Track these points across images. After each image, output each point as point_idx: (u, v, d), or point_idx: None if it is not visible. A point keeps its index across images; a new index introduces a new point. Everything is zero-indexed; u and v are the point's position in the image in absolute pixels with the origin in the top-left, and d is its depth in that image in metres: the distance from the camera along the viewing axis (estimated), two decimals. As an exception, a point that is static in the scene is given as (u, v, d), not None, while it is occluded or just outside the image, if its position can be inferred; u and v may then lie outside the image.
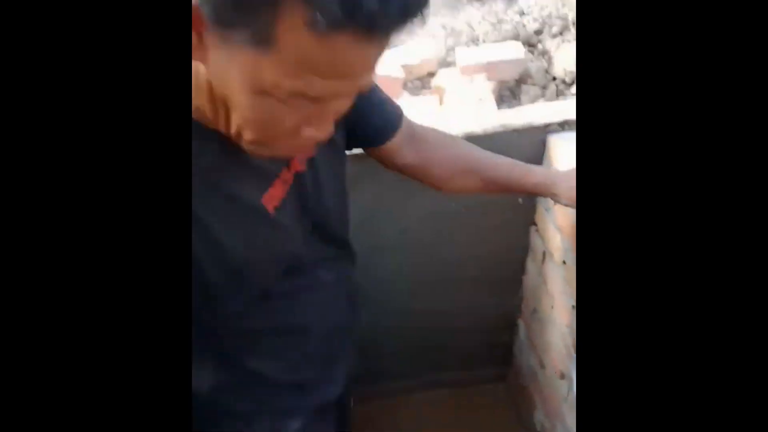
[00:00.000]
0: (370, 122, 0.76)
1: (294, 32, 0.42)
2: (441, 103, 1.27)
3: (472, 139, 1.06)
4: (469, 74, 1.31)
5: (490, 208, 1.17)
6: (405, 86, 1.39)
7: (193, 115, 0.53)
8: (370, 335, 1.38)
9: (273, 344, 0.74)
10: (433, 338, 1.46)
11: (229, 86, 0.48)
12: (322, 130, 0.52)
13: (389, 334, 1.39)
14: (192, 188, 0.50)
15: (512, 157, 1.07)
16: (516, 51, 1.39)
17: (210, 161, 0.55)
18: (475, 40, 1.64)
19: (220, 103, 0.50)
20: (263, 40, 0.43)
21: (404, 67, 1.46)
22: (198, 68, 0.49)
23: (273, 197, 0.62)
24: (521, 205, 1.17)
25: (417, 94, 1.37)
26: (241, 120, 0.50)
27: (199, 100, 0.52)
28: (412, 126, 0.82)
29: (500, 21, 1.71)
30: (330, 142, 0.67)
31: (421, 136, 0.84)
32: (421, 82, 1.45)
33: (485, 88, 1.23)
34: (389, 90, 1.51)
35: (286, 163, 0.63)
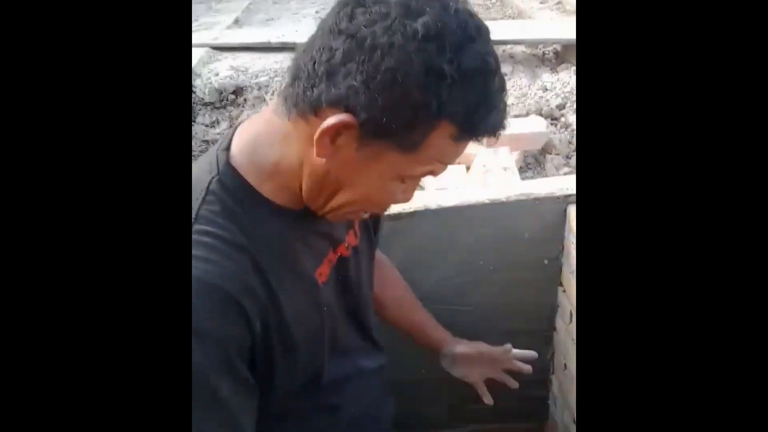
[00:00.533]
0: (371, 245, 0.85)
1: (440, 141, 0.55)
2: (468, 172, 1.39)
3: (497, 206, 1.17)
4: (493, 146, 1.43)
5: (518, 267, 1.26)
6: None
7: (274, 195, 0.61)
8: (407, 384, 1.45)
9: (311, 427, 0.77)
10: (469, 390, 1.51)
11: (354, 177, 0.58)
12: (409, 197, 0.65)
13: (426, 384, 1.45)
14: (262, 257, 0.59)
15: (533, 224, 1.18)
16: (538, 125, 1.52)
17: (277, 231, 0.62)
18: (501, 112, 1.77)
19: (325, 187, 0.60)
20: (412, 146, 0.55)
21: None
22: (311, 158, 0.57)
23: (321, 274, 0.69)
24: (547, 265, 1.25)
25: (447, 164, 1.51)
26: (355, 198, 0.60)
27: (305, 182, 0.60)
28: (378, 252, 0.94)
29: (524, 96, 1.85)
30: (370, 238, 0.80)
31: (380, 262, 0.97)
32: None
33: (509, 158, 1.35)
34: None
35: (334, 246, 0.71)
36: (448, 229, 1.21)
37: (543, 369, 1.44)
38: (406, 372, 1.41)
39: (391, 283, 1.01)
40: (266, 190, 0.61)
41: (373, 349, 0.87)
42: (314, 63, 0.54)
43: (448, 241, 1.22)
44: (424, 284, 1.28)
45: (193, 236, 0.56)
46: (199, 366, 0.54)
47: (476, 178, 1.33)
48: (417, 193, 1.31)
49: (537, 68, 1.92)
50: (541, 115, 1.70)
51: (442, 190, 1.24)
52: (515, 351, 1.08)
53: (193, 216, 0.58)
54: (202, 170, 0.61)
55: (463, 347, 1.04)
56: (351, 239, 0.75)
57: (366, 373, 0.85)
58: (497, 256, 1.24)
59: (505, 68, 2.08)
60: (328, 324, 0.71)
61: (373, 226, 0.82)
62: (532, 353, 1.09)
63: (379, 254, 0.96)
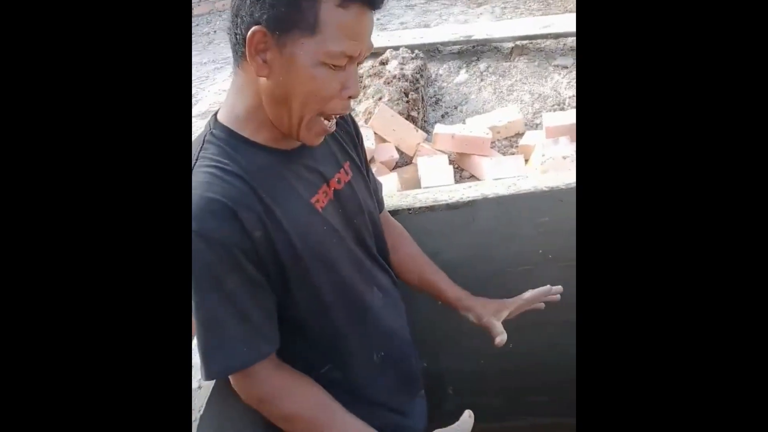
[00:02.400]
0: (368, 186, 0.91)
1: (329, 12, 0.64)
2: (527, 160, 1.37)
3: (556, 192, 1.15)
4: (553, 136, 1.40)
5: (575, 255, 1.22)
6: (493, 146, 1.51)
7: (256, 135, 0.71)
8: (463, 375, 1.44)
9: (370, 357, 0.84)
10: (530, 380, 1.48)
11: (291, 80, 0.67)
12: (354, 89, 0.71)
13: (480, 375, 1.43)
14: (257, 183, 0.69)
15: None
16: (598, 113, 1.47)
17: (268, 165, 0.72)
18: (560, 104, 1.73)
19: (281, 104, 0.69)
20: (311, 27, 0.64)
21: (492, 128, 1.58)
22: (261, 87, 0.69)
23: (318, 200, 0.78)
24: (607, 253, 1.21)
25: (505, 153, 1.48)
26: (302, 100, 0.68)
27: (267, 110, 0.71)
28: (387, 216, 1.01)
29: (585, 86, 1.79)
30: (363, 176, 0.87)
31: (389, 223, 1.01)
32: (509, 141, 1.56)
33: (569, 147, 1.32)
34: (478, 148, 1.63)
35: (326, 180, 0.79)
36: (507, 218, 1.19)
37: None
38: (464, 363, 1.41)
39: (402, 246, 1.02)
40: (249, 133, 0.72)
41: (383, 271, 0.91)
42: (231, 16, 0.67)
43: (507, 230, 1.21)
44: (484, 274, 1.27)
45: (195, 169, 0.68)
46: (203, 261, 0.65)
47: (535, 167, 1.31)
48: (475, 183, 1.31)
49: (599, 61, 1.86)
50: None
51: (500, 179, 1.23)
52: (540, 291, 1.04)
53: (195, 158, 0.69)
54: (198, 136, 0.73)
55: (487, 320, 1.01)
56: (342, 176, 0.82)
57: (385, 293, 0.89)
58: (556, 245, 1.21)
59: (565, 61, 2.03)
60: (337, 244, 0.79)
61: (366, 168, 0.90)
62: (557, 287, 1.06)
63: (390, 218, 1.02)
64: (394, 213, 1.17)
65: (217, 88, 2.80)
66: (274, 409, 0.75)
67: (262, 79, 0.68)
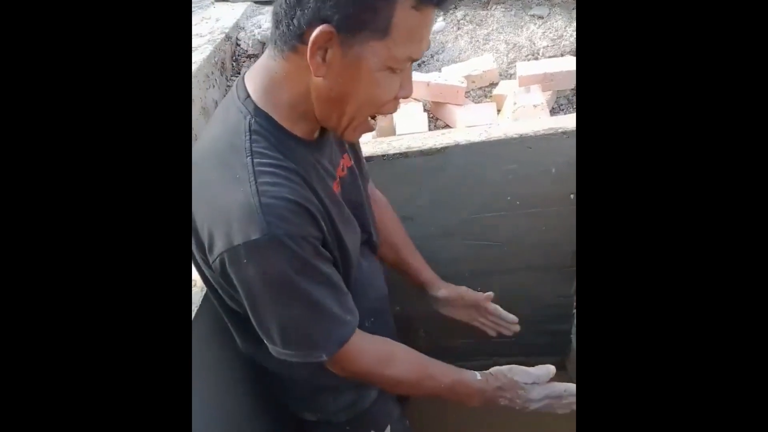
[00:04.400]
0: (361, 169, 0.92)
1: (405, 15, 0.59)
2: (499, 109, 1.37)
3: (526, 139, 1.15)
4: (526, 85, 1.40)
5: (544, 202, 1.24)
6: (468, 95, 1.50)
7: (294, 127, 0.69)
8: (435, 319, 1.49)
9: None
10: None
11: (351, 83, 0.64)
12: (409, 89, 0.69)
13: (452, 319, 1.48)
14: (306, 176, 0.67)
15: (559, 159, 1.16)
16: (570, 64, 1.46)
17: (304, 157, 0.70)
18: (535, 54, 1.72)
19: (334, 103, 0.66)
20: (383, 29, 0.60)
21: (467, 77, 1.56)
22: (314, 84, 0.65)
23: (336, 185, 0.77)
24: (573, 200, 1.24)
25: (478, 102, 1.48)
26: (361, 103, 0.66)
27: (316, 106, 0.67)
28: (373, 188, 1.02)
29: (560, 37, 1.78)
30: (359, 160, 0.88)
31: (376, 196, 1.03)
32: (483, 91, 1.55)
33: (540, 96, 1.32)
34: (453, 97, 1.62)
35: (336, 168, 0.79)
36: (477, 164, 1.20)
37: (566, 304, 1.45)
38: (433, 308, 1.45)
39: (387, 224, 1.04)
40: (289, 125, 0.68)
41: (373, 253, 0.95)
42: (286, 1, 0.61)
43: (477, 176, 1.21)
44: (452, 219, 1.29)
45: (256, 168, 0.64)
46: (297, 258, 0.65)
47: (507, 116, 1.31)
48: (447, 131, 1.31)
49: (574, 11, 1.84)
50: (574, 55, 1.64)
51: (472, 127, 1.23)
52: (498, 309, 1.11)
53: (247, 152, 0.65)
54: (233, 115, 0.68)
55: (444, 291, 1.08)
56: (346, 161, 0.82)
57: (370, 261, 0.93)
58: (524, 192, 1.23)
59: (541, 11, 1.99)
60: (353, 230, 0.81)
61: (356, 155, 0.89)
62: (512, 317, 1.12)
63: (378, 194, 1.04)
64: (369, 159, 1.17)
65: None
66: (380, 378, 0.80)
67: (316, 77, 0.64)
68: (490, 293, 1.08)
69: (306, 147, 0.70)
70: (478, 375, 0.85)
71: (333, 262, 0.74)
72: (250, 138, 0.65)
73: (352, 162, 0.83)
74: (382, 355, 0.80)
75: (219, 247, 0.65)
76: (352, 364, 0.77)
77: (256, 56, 2.76)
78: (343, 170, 0.81)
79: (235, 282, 0.67)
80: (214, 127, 0.71)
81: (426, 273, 1.08)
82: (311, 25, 0.59)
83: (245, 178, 0.63)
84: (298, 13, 0.60)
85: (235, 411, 0.96)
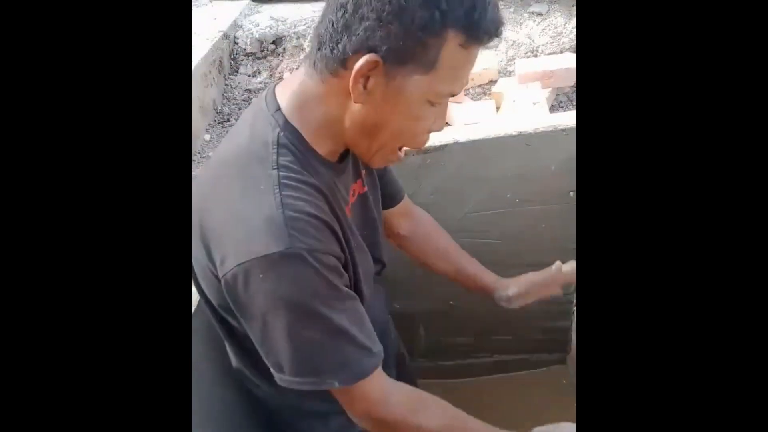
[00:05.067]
0: (387, 187, 0.91)
1: (452, 52, 0.60)
2: (498, 107, 1.37)
3: (525, 137, 1.16)
4: (525, 82, 1.40)
5: (543, 199, 1.25)
6: (467, 92, 1.49)
7: (320, 147, 0.68)
8: (436, 315, 1.49)
9: None
10: (494, 321, 1.54)
11: (390, 113, 0.63)
12: (442, 124, 0.69)
13: (453, 316, 1.48)
14: (328, 195, 0.66)
15: (559, 156, 1.17)
16: (570, 61, 1.47)
17: (328, 178, 0.69)
18: (534, 52, 1.72)
19: (368, 131, 0.65)
20: (430, 64, 0.60)
21: (467, 77, 1.56)
22: (350, 109, 0.64)
23: (348, 210, 0.76)
24: (572, 197, 1.24)
25: (478, 100, 1.48)
26: (395, 133, 0.65)
27: (349, 132, 0.66)
28: (410, 204, 1.00)
29: (559, 34, 1.78)
30: (375, 185, 0.86)
31: (416, 215, 1.01)
32: (482, 89, 1.55)
33: (539, 93, 1.32)
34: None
35: (349, 192, 0.77)
36: (477, 162, 1.20)
37: (566, 301, 1.45)
38: (435, 304, 1.45)
39: (435, 235, 1.03)
40: (315, 144, 0.67)
41: (379, 282, 0.93)
42: (332, 24, 0.60)
43: (477, 174, 1.22)
44: (452, 216, 1.29)
45: (282, 180, 0.63)
46: (318, 276, 0.62)
47: (505, 113, 1.31)
48: (447, 129, 1.31)
49: (573, 7, 1.85)
50: (574, 52, 1.64)
51: (471, 124, 1.23)
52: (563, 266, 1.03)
53: (273, 164, 0.64)
54: (261, 126, 0.67)
55: (514, 288, 1.02)
56: (358, 187, 0.80)
57: (379, 287, 0.90)
58: (524, 189, 1.23)
59: (540, 8, 2.00)
60: (363, 252, 0.78)
61: (378, 174, 0.87)
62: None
63: (414, 206, 1.02)
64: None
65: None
66: (410, 429, 0.71)
67: (354, 103, 0.63)
68: (557, 262, 1.01)
69: (328, 167, 0.69)
70: None
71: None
72: (278, 151, 0.64)
73: (366, 189, 0.82)
74: (413, 401, 0.73)
75: (233, 260, 0.61)
76: (379, 408, 0.70)
77: (254, 55, 2.76)
78: (353, 196, 0.79)
79: (244, 300, 0.63)
80: (239, 135, 0.69)
81: (487, 276, 1.04)
82: (357, 53, 0.59)
83: (269, 190, 0.61)
84: (345, 38, 0.59)
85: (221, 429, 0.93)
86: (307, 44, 2.64)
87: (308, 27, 2.72)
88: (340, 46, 0.60)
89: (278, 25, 2.76)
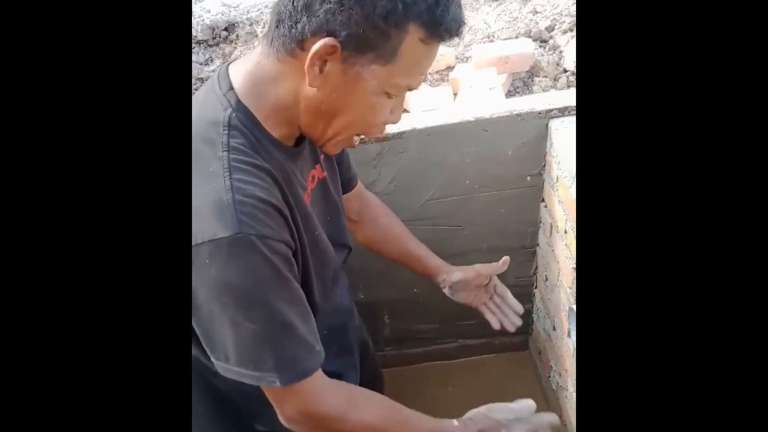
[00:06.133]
0: (344, 173, 0.92)
1: (413, 46, 0.60)
2: (455, 93, 1.38)
3: (482, 123, 1.17)
4: (481, 68, 1.41)
5: (502, 184, 1.27)
6: (424, 79, 1.49)
7: (275, 130, 0.66)
8: (401, 303, 1.50)
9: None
10: (458, 307, 1.57)
11: (345, 101, 0.63)
12: (398, 116, 0.69)
13: (418, 303, 1.50)
14: (281, 180, 0.65)
15: (515, 141, 1.19)
16: (525, 46, 1.48)
17: (281, 161, 0.68)
18: (490, 37, 1.73)
19: (322, 116, 0.65)
20: (389, 55, 0.60)
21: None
22: (305, 92, 0.63)
23: (306, 200, 0.75)
24: (530, 181, 1.27)
25: (435, 86, 1.48)
26: (350, 121, 0.65)
27: (303, 116, 0.65)
28: (362, 188, 1.02)
29: (514, 19, 1.80)
30: (334, 170, 0.86)
31: (366, 198, 1.03)
32: (440, 75, 1.56)
33: (495, 79, 1.33)
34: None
35: (308, 177, 0.77)
36: (435, 149, 1.21)
37: (527, 283, 1.49)
38: (399, 292, 1.46)
39: (383, 219, 1.04)
40: (270, 127, 0.66)
41: (344, 269, 0.94)
42: (292, 2, 0.59)
43: (435, 161, 1.23)
44: (412, 204, 1.30)
45: (232, 163, 0.61)
46: (265, 264, 0.60)
47: (463, 99, 1.32)
48: (404, 116, 1.31)
49: (529, -7, 1.87)
50: (530, 37, 1.66)
51: (429, 111, 1.23)
52: (506, 291, 1.11)
53: (224, 146, 0.62)
54: (211, 106, 0.65)
55: (459, 274, 1.06)
56: (317, 172, 0.79)
57: (342, 290, 0.91)
58: (482, 175, 1.25)
59: (496, -6, 2.01)
60: (321, 240, 0.77)
61: (337, 160, 0.88)
62: (518, 307, 1.12)
63: (366, 192, 1.03)
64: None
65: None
66: (346, 424, 0.71)
67: (310, 87, 0.62)
68: (506, 257, 1.06)
69: (283, 151, 0.68)
70: (455, 422, 0.80)
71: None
72: (228, 133, 0.62)
73: (325, 173, 0.81)
74: (349, 397, 0.73)
75: None
76: (312, 404, 0.69)
77: (205, 42, 2.67)
78: (313, 181, 0.78)
79: (193, 285, 0.61)
80: (196, 112, 0.66)
81: (433, 259, 1.06)
82: (316, 35, 0.58)
83: (219, 172, 0.60)
84: (304, 19, 0.58)
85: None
86: (260, 30, 2.58)
87: (261, 13, 2.65)
88: (299, 26, 0.59)
89: (230, 11, 2.68)
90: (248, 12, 2.66)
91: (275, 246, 0.62)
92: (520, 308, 1.10)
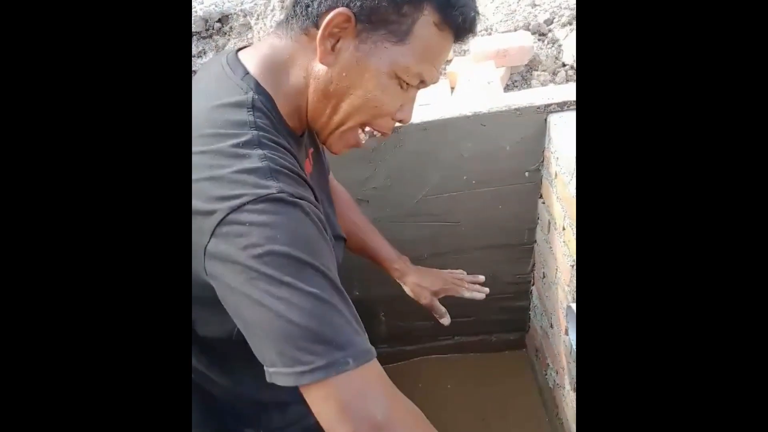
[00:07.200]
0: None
1: (425, 28, 0.61)
2: (453, 86, 1.37)
3: (479, 117, 1.16)
4: (480, 61, 1.40)
5: (499, 180, 1.26)
6: (436, 79, 1.48)
7: (288, 118, 0.65)
8: (397, 300, 1.50)
9: None
10: (454, 304, 1.56)
11: (356, 79, 0.62)
12: (409, 114, 0.69)
13: (410, 300, 1.49)
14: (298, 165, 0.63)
15: (514, 136, 1.18)
16: (524, 39, 1.47)
17: (295, 149, 0.66)
18: (488, 30, 1.72)
19: (330, 98, 0.64)
20: (402, 34, 0.60)
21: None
22: (315, 71, 0.63)
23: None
24: (528, 177, 1.26)
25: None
26: (358, 104, 0.64)
27: (311, 98, 0.65)
28: (334, 181, 1.02)
29: (513, 12, 1.79)
30: (322, 164, 0.86)
31: (338, 192, 1.03)
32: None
33: (493, 73, 1.32)
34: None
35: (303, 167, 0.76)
36: (432, 144, 1.20)
37: (524, 280, 1.48)
38: (395, 289, 1.45)
39: (349, 213, 1.05)
40: (285, 113, 0.65)
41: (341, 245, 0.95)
42: None
43: (433, 156, 1.22)
44: (408, 200, 1.29)
45: (261, 140, 0.58)
46: (314, 222, 0.56)
47: (461, 93, 1.31)
48: (401, 110, 1.30)
49: (527, -14, 1.86)
50: (528, 30, 1.65)
51: (426, 105, 1.22)
52: (464, 273, 1.14)
53: (252, 125, 0.59)
54: (228, 91, 0.62)
55: (429, 302, 1.11)
56: (307, 167, 0.78)
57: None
58: (480, 170, 1.24)
59: (494, -14, 1.99)
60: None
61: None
62: (480, 276, 1.15)
63: (335, 183, 1.03)
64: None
65: None
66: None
67: (320, 65, 0.62)
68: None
69: (293, 138, 0.68)
70: None
71: None
72: (254, 114, 0.60)
73: (312, 166, 0.81)
74: (413, 416, 0.61)
75: (219, 213, 0.52)
76: (365, 409, 0.55)
77: (198, 34, 2.65)
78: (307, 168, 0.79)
79: (227, 265, 0.52)
80: (207, 99, 0.62)
81: (384, 252, 1.08)
82: (330, 8, 0.59)
83: (249, 148, 0.56)
84: None
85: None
86: (254, 22, 2.56)
87: (255, 4, 2.63)
88: (315, 3, 0.60)
89: (224, 3, 2.66)
90: (242, 3, 2.64)
91: (314, 210, 0.58)
92: (481, 278, 1.14)
